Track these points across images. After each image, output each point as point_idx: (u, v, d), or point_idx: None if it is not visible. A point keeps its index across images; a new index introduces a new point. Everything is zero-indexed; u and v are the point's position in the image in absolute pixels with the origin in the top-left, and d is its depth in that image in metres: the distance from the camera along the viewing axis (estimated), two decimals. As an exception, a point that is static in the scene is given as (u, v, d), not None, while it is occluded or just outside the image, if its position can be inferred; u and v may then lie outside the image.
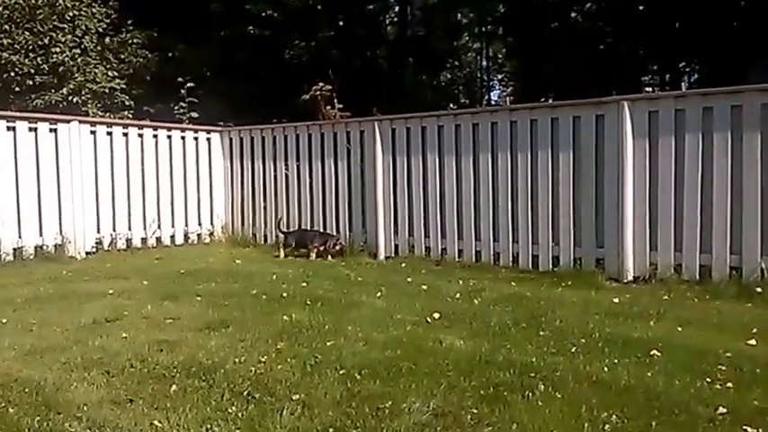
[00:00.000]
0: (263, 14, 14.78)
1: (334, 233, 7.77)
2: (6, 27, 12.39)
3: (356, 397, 2.84)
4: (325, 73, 10.52)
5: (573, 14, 18.60)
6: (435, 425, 2.57)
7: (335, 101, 9.96)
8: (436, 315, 4.31)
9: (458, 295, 5.06)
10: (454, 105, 21.29)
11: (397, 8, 20.73)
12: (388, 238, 7.43)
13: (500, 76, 27.20)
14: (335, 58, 15.38)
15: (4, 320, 4.24)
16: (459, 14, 21.10)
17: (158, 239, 8.37)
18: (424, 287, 5.40)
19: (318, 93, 9.85)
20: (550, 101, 7.08)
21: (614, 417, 2.64)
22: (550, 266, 6.27)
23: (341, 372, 3.17)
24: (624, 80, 16.70)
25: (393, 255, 7.39)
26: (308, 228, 8.06)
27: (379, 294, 5.13)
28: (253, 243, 8.62)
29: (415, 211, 7.24)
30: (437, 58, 20.86)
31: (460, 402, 2.78)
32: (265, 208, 8.66)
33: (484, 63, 25.31)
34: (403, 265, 6.82)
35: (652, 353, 3.46)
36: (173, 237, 8.56)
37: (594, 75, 16.03)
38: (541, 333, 3.91)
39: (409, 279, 5.86)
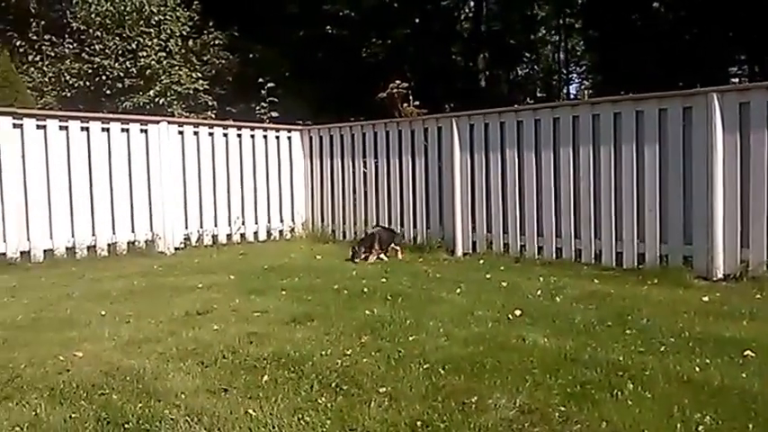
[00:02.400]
0: (341, 14, 14.99)
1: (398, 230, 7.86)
2: (98, 33, 13.10)
3: (441, 391, 2.87)
4: (400, 70, 10.60)
5: (655, 4, 17.94)
6: (523, 421, 2.57)
7: (411, 98, 10.03)
8: (517, 312, 4.28)
9: (539, 292, 5.00)
10: (531, 100, 20.93)
11: (472, 3, 20.55)
12: (466, 234, 7.40)
13: (579, 69, 26.50)
14: (411, 55, 15.41)
15: (103, 312, 4.48)
16: (536, 7, 20.73)
17: (242, 236, 8.65)
18: (504, 284, 5.36)
19: (395, 90, 9.94)
20: (631, 93, 6.86)
21: (708, 418, 2.56)
22: (635, 264, 6.10)
23: (425, 366, 3.20)
24: (709, 71, 15.98)
25: (470, 251, 7.36)
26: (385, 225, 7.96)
27: (458, 291, 5.13)
28: (332, 239, 8.78)
29: (493, 207, 7.18)
30: (513, 52, 20.59)
31: (547, 400, 2.77)
32: (344, 205, 8.80)
33: (562, 56, 24.69)
34: (481, 261, 6.79)
35: (746, 353, 3.33)
36: (256, 233, 8.83)
37: (678, 66, 15.42)
38: (627, 332, 3.82)
39: (488, 276, 5.82)
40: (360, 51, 15.24)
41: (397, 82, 10.08)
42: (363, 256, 6.98)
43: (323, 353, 3.46)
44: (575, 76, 26.99)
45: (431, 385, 2.95)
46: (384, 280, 5.66)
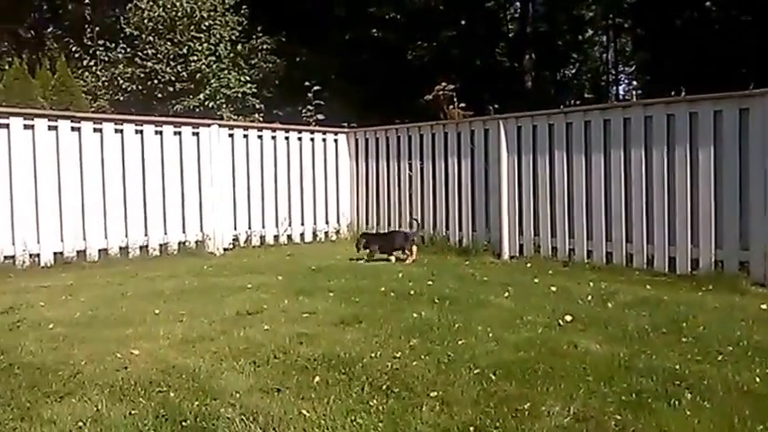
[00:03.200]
0: (386, 17, 15.03)
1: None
2: (150, 38, 13.42)
3: (493, 397, 2.85)
4: (445, 72, 10.54)
5: (707, 3, 17.48)
6: (578, 429, 2.53)
7: (455, 100, 9.98)
8: (568, 317, 4.21)
9: (589, 298, 4.91)
10: (578, 101, 20.61)
11: (518, 4, 20.36)
12: (513, 237, 7.34)
13: (628, 70, 25.91)
14: (456, 56, 15.36)
15: (157, 311, 4.57)
16: (583, 7, 20.40)
17: (289, 237, 8.76)
18: (553, 288, 5.28)
19: (441, 92, 9.92)
20: (683, 94, 6.71)
21: (772, 430, 2.49)
22: (689, 269, 5.95)
23: (475, 371, 3.18)
24: (763, 71, 15.46)
25: (517, 254, 7.29)
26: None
27: (506, 295, 5.08)
28: (377, 241, 8.78)
29: (541, 210, 7.11)
30: (560, 53, 20.34)
31: (602, 408, 2.72)
32: (389, 207, 8.82)
33: (610, 57, 24.18)
34: (528, 265, 6.72)
35: (810, 364, 3.22)
36: (302, 234, 8.93)
37: (730, 65, 14.98)
38: (683, 339, 3.72)
39: (536, 280, 5.76)
40: (405, 53, 15.26)
41: (443, 84, 10.05)
42: (363, 250, 7.09)
43: (372, 355, 3.47)
44: (623, 76, 26.43)
45: (482, 390, 2.93)
46: (430, 282, 5.64)
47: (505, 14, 20.29)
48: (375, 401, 2.80)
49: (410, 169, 8.61)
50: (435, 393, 2.89)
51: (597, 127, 6.64)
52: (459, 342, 3.71)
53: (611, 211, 6.53)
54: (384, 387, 2.98)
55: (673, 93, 7.29)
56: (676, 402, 2.76)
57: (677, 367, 3.21)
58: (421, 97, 10.44)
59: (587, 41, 23.15)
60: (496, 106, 9.48)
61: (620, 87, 26.36)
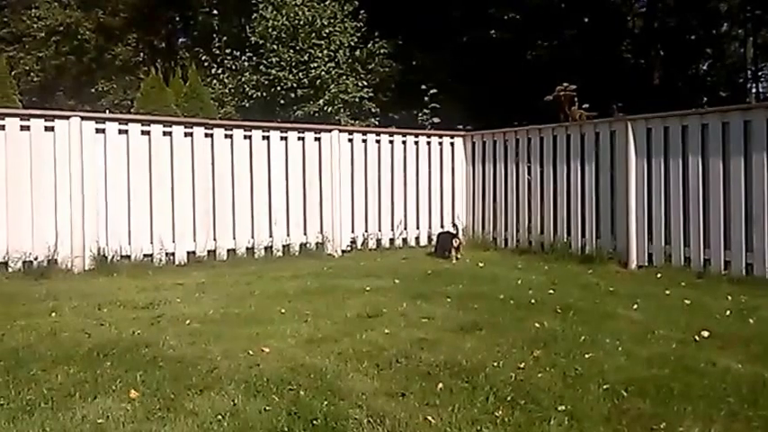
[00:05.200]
0: (505, 17, 14.81)
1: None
2: (274, 47, 13.98)
3: (626, 415, 2.72)
4: (565, 71, 10.21)
5: None
6: (722, 455, 2.37)
7: (576, 100, 9.64)
8: (705, 333, 3.96)
9: (728, 313, 4.59)
10: (711, 99, 19.28)
11: (644, -1, 19.41)
12: (641, 245, 6.98)
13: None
14: (577, 55, 14.86)
15: (283, 311, 4.75)
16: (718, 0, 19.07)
17: (404, 240, 8.83)
18: (687, 301, 4.98)
19: (562, 93, 9.61)
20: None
21: None
22: (844, 284, 5.41)
23: (605, 386, 3.05)
24: None
25: (646, 264, 6.93)
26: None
27: (635, 306, 4.85)
28: (493, 246, 8.68)
29: (672, 217, 6.71)
30: (691, 48, 19.10)
31: (748, 433, 2.53)
32: (506, 212, 8.67)
33: (750, 52, 22.34)
34: (658, 275, 6.36)
35: None
36: (417, 238, 8.97)
37: None
38: (840, 363, 3.39)
39: (667, 291, 5.45)
40: (524, 54, 14.95)
41: (564, 84, 9.72)
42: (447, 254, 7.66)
43: (495, 364, 3.42)
44: (764, 73, 24.34)
45: (613, 407, 2.82)
46: (551, 291, 5.49)
47: (631, 9, 19.38)
48: (500, 412, 2.76)
49: (529, 173, 8.42)
50: (563, 407, 2.80)
51: (737, 129, 6.18)
52: (586, 355, 3.58)
53: (751, 220, 6.06)
54: (509, 398, 2.93)
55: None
56: (836, 433, 2.52)
57: (835, 393, 2.93)
58: (540, 98, 10.17)
59: (723, 36, 21.55)
60: (621, 105, 9.08)
61: (761, 85, 24.35)
